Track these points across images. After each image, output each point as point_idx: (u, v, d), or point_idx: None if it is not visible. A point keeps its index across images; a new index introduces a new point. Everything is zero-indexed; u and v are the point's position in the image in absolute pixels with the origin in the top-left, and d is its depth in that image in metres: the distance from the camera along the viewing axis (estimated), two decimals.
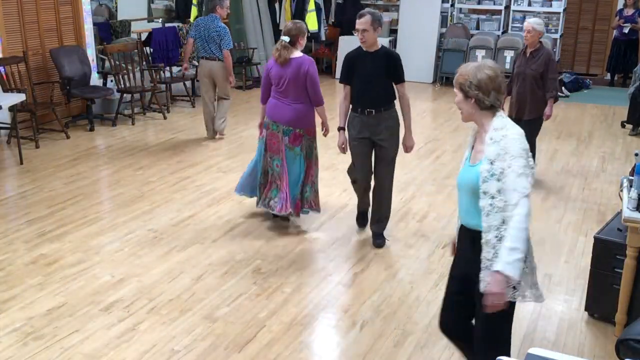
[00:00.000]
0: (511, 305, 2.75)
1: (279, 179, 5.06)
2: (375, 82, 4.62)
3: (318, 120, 5.15)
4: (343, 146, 4.85)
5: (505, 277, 2.56)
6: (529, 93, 5.90)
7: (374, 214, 4.99)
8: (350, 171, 5.13)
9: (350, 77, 4.69)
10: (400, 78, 4.70)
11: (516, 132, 2.64)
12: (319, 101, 5.01)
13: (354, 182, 5.11)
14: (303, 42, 5.01)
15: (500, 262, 2.57)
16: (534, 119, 5.93)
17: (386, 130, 4.71)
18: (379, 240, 4.96)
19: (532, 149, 5.91)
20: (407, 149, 4.88)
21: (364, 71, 4.61)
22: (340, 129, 4.83)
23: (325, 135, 5.30)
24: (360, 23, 4.49)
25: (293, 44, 4.94)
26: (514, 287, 2.69)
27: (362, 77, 4.62)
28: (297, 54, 4.93)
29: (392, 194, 4.99)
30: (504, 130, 2.64)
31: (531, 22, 5.88)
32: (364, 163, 4.85)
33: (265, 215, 5.46)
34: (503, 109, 2.75)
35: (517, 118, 5.82)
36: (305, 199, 5.17)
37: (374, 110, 4.66)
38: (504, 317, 2.76)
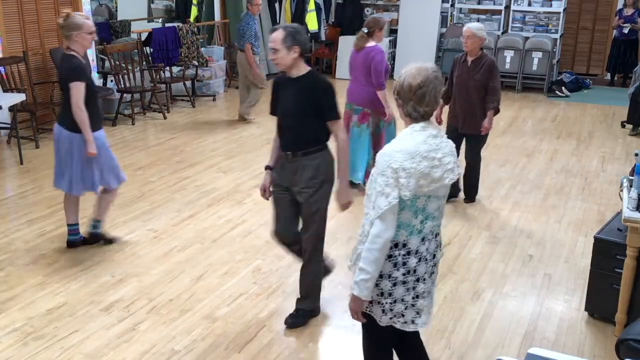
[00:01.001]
0: (371, 321, 2.74)
1: None
2: (294, 117, 3.59)
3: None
4: (264, 190, 3.85)
5: (356, 296, 2.60)
6: (477, 107, 5.41)
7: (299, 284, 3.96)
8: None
9: (275, 107, 3.71)
10: (329, 114, 3.58)
11: (389, 150, 2.52)
12: (379, 85, 5.65)
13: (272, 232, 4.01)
14: (380, 34, 5.81)
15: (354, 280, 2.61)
16: (483, 134, 5.49)
17: (306, 181, 3.62)
18: (290, 320, 3.86)
19: (477, 160, 5.70)
20: (341, 207, 3.73)
21: (285, 102, 3.62)
22: (267, 167, 3.82)
23: (387, 121, 5.79)
24: (271, 40, 3.51)
25: (370, 35, 5.77)
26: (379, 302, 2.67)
27: (282, 110, 3.66)
28: (371, 43, 5.74)
29: (319, 265, 3.90)
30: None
31: (471, 26, 5.33)
32: (281, 214, 3.81)
33: (264, 215, 5.46)
34: (438, 121, 2.62)
35: (463, 133, 5.46)
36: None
37: (290, 153, 3.63)
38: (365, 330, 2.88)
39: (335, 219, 5.45)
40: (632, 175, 3.68)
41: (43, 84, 7.87)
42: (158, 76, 9.20)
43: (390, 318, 2.67)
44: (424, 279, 2.65)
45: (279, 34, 3.48)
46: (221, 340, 3.72)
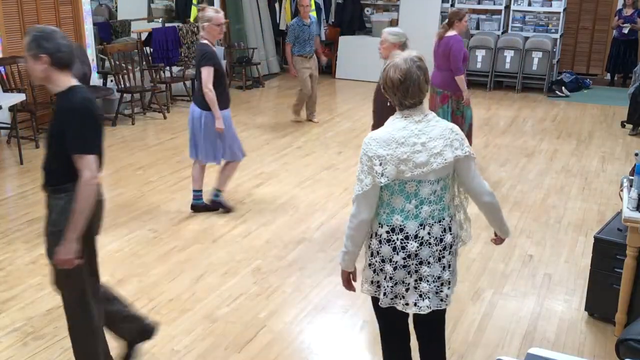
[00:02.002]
0: (377, 306, 2.83)
1: None
2: (46, 144, 3.04)
3: None
4: None
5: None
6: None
7: None
8: None
9: None
10: (71, 146, 2.83)
11: (367, 138, 2.62)
12: (456, 71, 6.22)
13: None
14: (459, 24, 6.28)
15: None
16: None
17: (49, 227, 2.97)
18: None
19: None
20: (55, 262, 2.91)
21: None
22: None
23: (466, 104, 6.40)
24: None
25: (450, 25, 6.29)
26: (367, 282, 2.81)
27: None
28: (451, 33, 6.26)
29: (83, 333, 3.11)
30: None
31: (385, 31, 4.94)
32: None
33: (264, 215, 5.46)
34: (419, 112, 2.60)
35: None
36: None
37: (44, 190, 3.01)
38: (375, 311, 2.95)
39: (335, 219, 5.45)
40: (632, 175, 3.68)
41: (43, 84, 7.85)
42: (158, 76, 9.20)
43: (392, 299, 2.74)
44: (429, 263, 2.67)
45: (25, 40, 2.90)
46: (221, 340, 3.72)
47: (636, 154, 3.81)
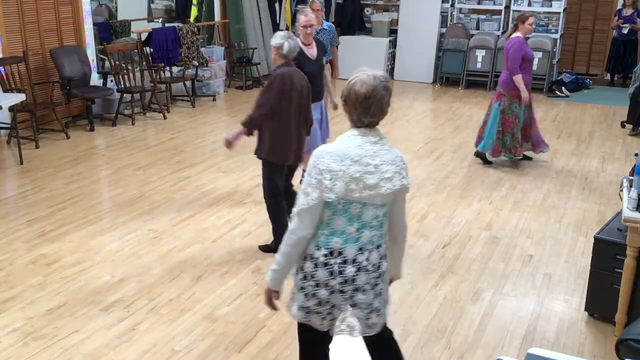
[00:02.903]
0: (305, 328, 2.72)
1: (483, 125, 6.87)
2: None
3: None
4: None
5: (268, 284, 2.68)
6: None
7: None
8: None
9: None
10: None
11: (320, 150, 2.50)
12: (511, 70, 6.53)
13: None
14: (523, 26, 6.65)
15: None
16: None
17: None
18: None
19: (264, 185, 4.77)
20: None
21: None
22: None
23: (521, 104, 6.61)
24: None
25: (515, 27, 6.73)
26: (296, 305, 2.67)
27: None
28: (515, 35, 6.65)
29: None
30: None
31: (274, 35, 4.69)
32: None
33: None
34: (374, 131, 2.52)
35: None
36: (506, 146, 6.67)
37: None
38: (299, 334, 2.82)
39: None
40: (632, 175, 3.68)
41: (43, 84, 7.87)
42: (158, 76, 9.20)
43: (330, 321, 2.64)
44: (364, 290, 2.57)
45: None
46: (221, 340, 3.72)
47: (636, 154, 3.81)
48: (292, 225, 2.54)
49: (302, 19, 5.37)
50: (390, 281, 2.85)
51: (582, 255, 4.83)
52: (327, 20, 12.03)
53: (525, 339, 3.77)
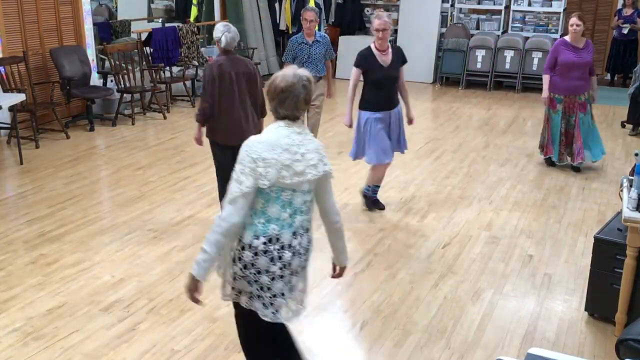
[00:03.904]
0: (247, 314, 2.79)
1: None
2: None
3: None
4: None
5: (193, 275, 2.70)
6: None
7: None
8: None
9: None
10: None
11: (251, 141, 2.66)
12: (544, 70, 6.61)
13: None
14: (570, 29, 6.38)
15: None
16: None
17: None
18: None
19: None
20: None
21: None
22: None
23: (544, 103, 6.64)
24: None
25: (566, 30, 6.67)
26: (236, 292, 2.78)
27: None
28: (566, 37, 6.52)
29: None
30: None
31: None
32: None
33: None
34: (295, 121, 2.69)
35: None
36: (540, 144, 6.91)
37: None
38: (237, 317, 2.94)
39: None
40: (632, 175, 3.68)
41: (43, 84, 7.87)
42: (158, 76, 9.20)
43: (273, 313, 2.74)
44: (297, 272, 2.77)
45: None
46: (221, 340, 3.72)
47: (636, 154, 3.81)
48: (224, 212, 2.62)
49: (375, 22, 5.21)
50: (340, 271, 3.08)
51: (582, 255, 4.83)
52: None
53: (525, 339, 3.77)
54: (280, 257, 2.67)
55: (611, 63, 11.30)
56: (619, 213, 3.88)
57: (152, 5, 11.50)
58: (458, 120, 9.01)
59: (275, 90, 2.67)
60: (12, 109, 7.01)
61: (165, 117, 8.79)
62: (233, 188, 2.61)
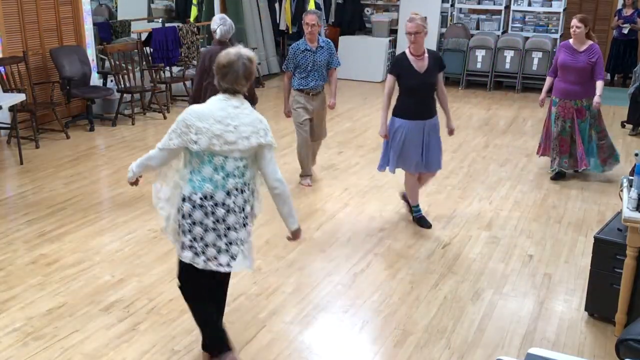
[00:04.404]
0: (187, 266, 3.21)
1: None
2: None
3: None
4: None
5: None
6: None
7: None
8: None
9: None
10: None
11: (191, 109, 3.06)
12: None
13: None
14: (570, 30, 6.14)
15: None
16: None
17: None
18: None
19: None
20: None
21: None
22: None
23: (540, 104, 6.52)
24: None
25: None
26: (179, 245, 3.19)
27: None
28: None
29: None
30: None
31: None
32: None
33: (264, 215, 5.45)
34: (239, 96, 3.10)
35: None
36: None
37: None
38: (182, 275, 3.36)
39: (335, 219, 5.46)
40: (632, 175, 3.68)
41: (43, 84, 7.87)
42: (158, 76, 9.20)
43: (204, 261, 3.13)
44: (236, 228, 3.13)
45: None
46: None
47: (636, 154, 3.81)
48: (152, 151, 3.17)
49: (407, 25, 4.88)
50: (292, 236, 3.33)
51: (582, 255, 4.83)
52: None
53: (525, 339, 3.77)
54: (213, 213, 3.07)
55: (611, 63, 11.30)
56: (619, 213, 3.88)
57: (152, 5, 11.50)
58: (458, 120, 9.00)
59: (218, 65, 3.06)
60: (12, 109, 7.01)
61: (165, 117, 8.79)
62: (164, 139, 3.10)
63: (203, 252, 3.11)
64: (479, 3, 11.46)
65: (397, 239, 5.09)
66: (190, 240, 3.11)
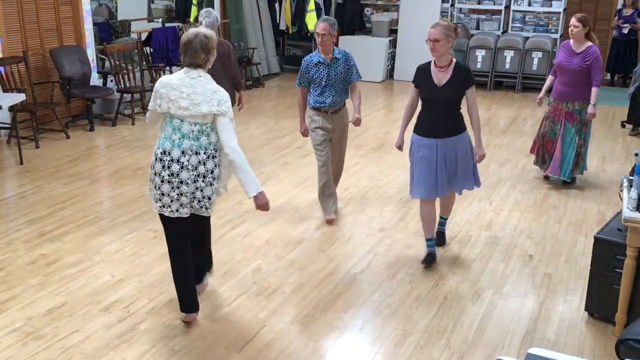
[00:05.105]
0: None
1: None
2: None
3: None
4: None
5: None
6: None
7: None
8: None
9: None
10: None
11: (162, 78, 3.64)
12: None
13: None
14: (569, 29, 6.06)
15: None
16: None
17: None
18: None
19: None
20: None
21: None
22: None
23: (538, 103, 6.45)
24: None
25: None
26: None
27: None
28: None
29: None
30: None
31: None
32: None
33: (264, 215, 5.46)
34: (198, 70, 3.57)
35: None
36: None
37: None
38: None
39: (335, 219, 5.45)
40: (632, 175, 3.68)
41: (43, 84, 7.87)
42: (158, 76, 9.20)
43: (160, 207, 3.64)
44: (187, 183, 3.58)
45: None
46: (221, 340, 3.72)
47: (636, 154, 3.81)
48: (148, 114, 3.80)
49: (428, 31, 4.37)
50: (256, 203, 3.66)
51: (582, 255, 4.83)
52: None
53: (525, 339, 3.77)
54: (169, 167, 3.56)
55: (611, 63, 11.30)
56: (619, 213, 3.88)
57: (152, 5, 11.49)
58: None
59: (181, 44, 3.59)
60: (12, 109, 7.01)
61: None
62: (150, 103, 3.67)
63: (159, 199, 3.62)
64: (479, 3, 11.46)
65: (397, 239, 5.09)
66: (150, 189, 3.66)
